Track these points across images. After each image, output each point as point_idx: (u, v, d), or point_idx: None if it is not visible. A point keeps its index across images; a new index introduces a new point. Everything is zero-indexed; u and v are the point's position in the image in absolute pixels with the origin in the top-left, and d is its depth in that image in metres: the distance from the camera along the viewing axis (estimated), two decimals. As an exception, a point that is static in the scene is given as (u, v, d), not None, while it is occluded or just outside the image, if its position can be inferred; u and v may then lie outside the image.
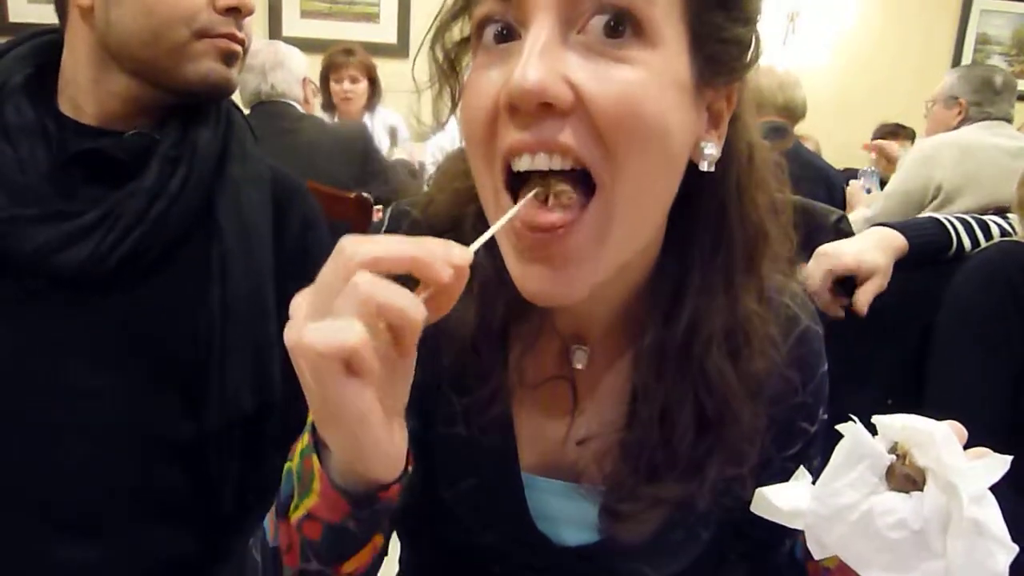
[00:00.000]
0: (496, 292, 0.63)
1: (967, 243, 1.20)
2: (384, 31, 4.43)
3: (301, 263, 0.95)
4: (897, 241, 1.14)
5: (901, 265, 1.14)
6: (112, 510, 0.85)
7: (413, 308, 0.42)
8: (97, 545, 0.84)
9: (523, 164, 0.52)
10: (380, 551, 0.62)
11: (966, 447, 0.50)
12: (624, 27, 0.51)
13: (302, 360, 0.41)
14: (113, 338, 0.84)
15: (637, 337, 0.65)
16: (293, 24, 4.35)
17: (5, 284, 0.82)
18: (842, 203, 2.49)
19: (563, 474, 0.70)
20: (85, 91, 0.87)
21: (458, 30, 0.61)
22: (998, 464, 0.49)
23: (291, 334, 0.42)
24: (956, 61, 5.04)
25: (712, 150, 0.59)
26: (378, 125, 3.46)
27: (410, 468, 0.55)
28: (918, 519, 0.48)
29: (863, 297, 1.09)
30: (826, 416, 0.73)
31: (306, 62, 2.50)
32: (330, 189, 1.88)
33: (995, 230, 1.24)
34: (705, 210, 0.62)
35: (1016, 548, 0.47)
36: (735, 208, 0.62)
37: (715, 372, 0.62)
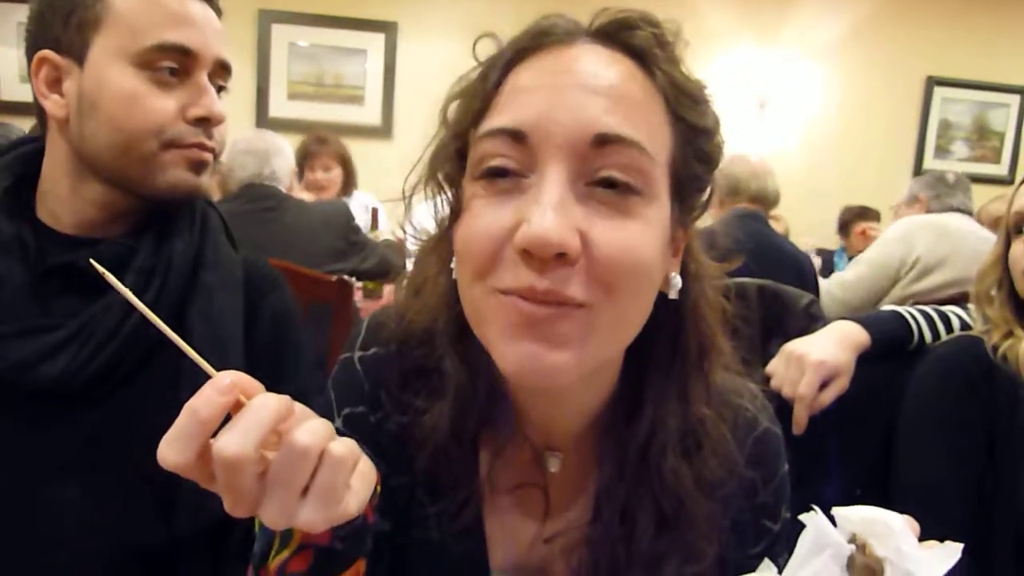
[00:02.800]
0: (469, 400, 0.66)
1: (928, 336, 1.24)
2: (369, 113, 4.57)
3: (273, 357, 0.96)
4: (860, 337, 1.18)
5: (864, 358, 1.18)
6: None
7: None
8: None
9: (528, 305, 0.55)
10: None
11: (927, 536, 0.54)
12: (628, 182, 0.56)
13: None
14: (86, 448, 0.85)
15: (602, 441, 0.69)
16: (280, 105, 4.46)
17: None
18: (813, 286, 2.56)
19: (531, 571, 0.72)
20: (62, 200, 0.89)
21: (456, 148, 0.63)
22: (952, 552, 0.52)
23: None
24: (920, 145, 5.25)
25: (678, 281, 0.65)
26: (356, 207, 3.51)
27: (379, 489, 0.59)
28: None
29: (824, 399, 1.13)
30: (789, 515, 0.75)
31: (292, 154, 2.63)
32: (313, 272, 1.92)
33: (955, 322, 1.28)
34: (663, 328, 0.66)
35: None
36: (688, 324, 0.67)
37: (670, 474, 0.66)
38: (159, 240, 0.89)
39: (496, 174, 0.57)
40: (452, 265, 0.64)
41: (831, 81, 5.06)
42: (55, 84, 0.87)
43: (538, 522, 0.71)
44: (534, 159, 0.56)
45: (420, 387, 0.69)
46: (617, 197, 0.56)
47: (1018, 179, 1.23)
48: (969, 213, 2.81)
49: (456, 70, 0.65)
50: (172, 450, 0.47)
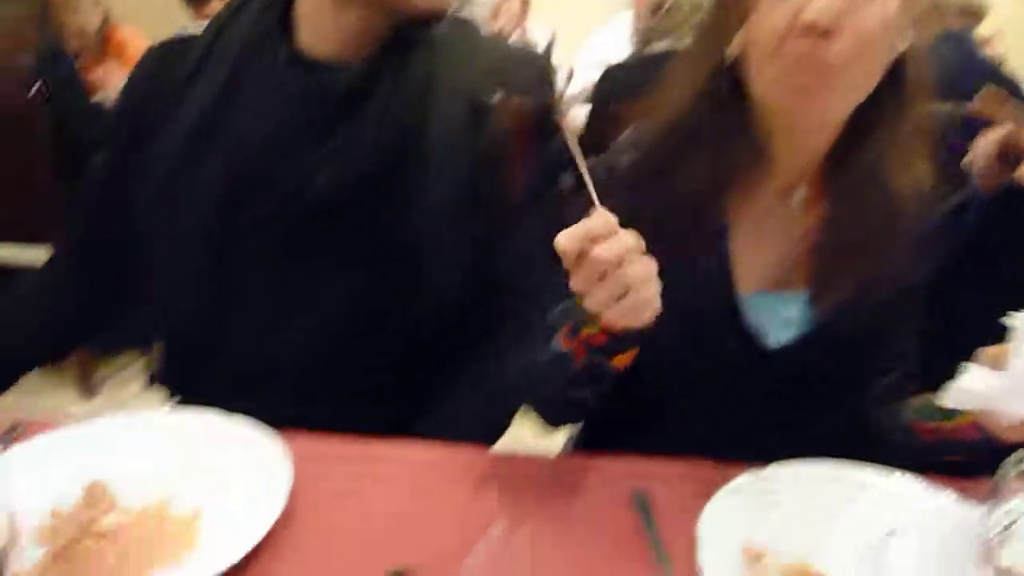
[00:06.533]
0: (724, 146, 0.87)
1: None
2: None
3: (499, 158, 1.06)
4: None
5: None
6: (329, 377, 1.04)
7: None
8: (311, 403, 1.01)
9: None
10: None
11: None
12: None
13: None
14: (347, 240, 1.01)
15: (827, 168, 0.90)
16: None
17: (269, 208, 1.01)
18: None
19: (770, 286, 0.92)
20: (322, 26, 0.99)
21: None
22: None
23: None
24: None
25: (909, 33, 0.83)
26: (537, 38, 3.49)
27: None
28: None
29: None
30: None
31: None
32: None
33: None
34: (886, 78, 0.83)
35: None
36: (902, 69, 0.84)
37: (883, 179, 0.88)
38: (401, 60, 1.00)
39: None
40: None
41: None
42: None
43: (781, 246, 0.92)
44: None
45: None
46: None
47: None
48: None
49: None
50: (565, 237, 0.70)
